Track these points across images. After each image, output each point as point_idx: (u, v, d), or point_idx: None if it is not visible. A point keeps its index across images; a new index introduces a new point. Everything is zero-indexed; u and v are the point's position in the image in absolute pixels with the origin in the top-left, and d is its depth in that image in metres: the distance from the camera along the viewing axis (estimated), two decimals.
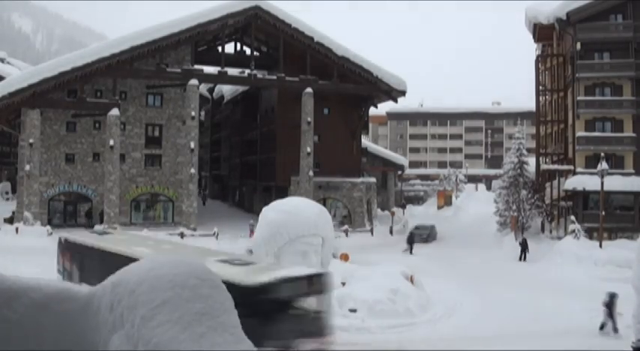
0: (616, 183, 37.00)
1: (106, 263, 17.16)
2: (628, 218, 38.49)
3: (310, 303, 13.61)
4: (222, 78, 48.26)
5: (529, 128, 77.90)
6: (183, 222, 44.23)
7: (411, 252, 37.93)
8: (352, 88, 49.09)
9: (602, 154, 35.08)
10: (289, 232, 20.23)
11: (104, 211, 42.78)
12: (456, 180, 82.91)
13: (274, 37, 48.59)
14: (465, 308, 21.53)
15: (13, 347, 1.98)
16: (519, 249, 36.37)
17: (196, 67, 46.03)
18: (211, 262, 12.99)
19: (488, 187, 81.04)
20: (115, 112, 43.08)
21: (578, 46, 40.10)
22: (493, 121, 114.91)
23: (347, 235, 43.08)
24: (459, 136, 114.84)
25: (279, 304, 12.51)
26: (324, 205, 39.20)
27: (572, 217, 36.84)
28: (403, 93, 50.59)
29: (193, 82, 45.33)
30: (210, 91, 68.64)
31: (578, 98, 40.36)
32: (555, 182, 43.87)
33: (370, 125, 74.52)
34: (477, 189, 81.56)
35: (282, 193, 44.34)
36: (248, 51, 51.93)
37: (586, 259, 31.83)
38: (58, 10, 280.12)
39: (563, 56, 45.30)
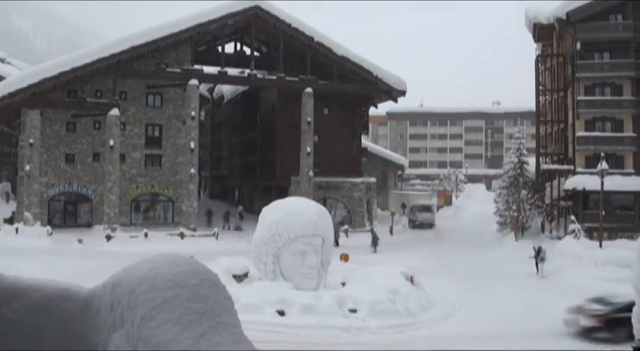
0: (616, 183, 37.00)
1: None
2: (628, 218, 38.50)
3: None
4: (222, 78, 48.26)
5: (529, 128, 77.99)
6: (183, 222, 44.22)
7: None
8: (352, 88, 49.09)
9: (602, 154, 35.07)
10: (289, 233, 20.26)
11: (104, 211, 42.76)
12: (456, 180, 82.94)
13: (274, 37, 48.59)
14: (465, 308, 21.53)
15: (13, 347, 1.98)
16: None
17: (196, 67, 46.03)
18: None
19: (488, 187, 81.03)
20: (115, 112, 43.07)
21: (578, 46, 40.11)
22: (493, 121, 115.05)
23: (347, 235, 43.08)
24: (459, 136, 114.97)
25: None
26: (324, 205, 39.20)
27: (572, 217, 36.84)
28: (403, 93, 50.61)
29: (193, 82, 45.34)
30: (210, 91, 68.66)
31: (578, 98, 40.37)
32: (555, 182, 43.89)
33: (370, 125, 74.45)
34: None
35: (282, 193, 44.32)
36: (248, 51, 51.91)
37: (586, 259, 31.82)
38: (58, 10, 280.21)
39: (563, 56, 45.32)
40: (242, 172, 62.10)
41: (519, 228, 41.47)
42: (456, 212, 64.30)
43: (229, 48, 52.13)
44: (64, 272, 24.27)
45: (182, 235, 40.45)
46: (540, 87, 48.36)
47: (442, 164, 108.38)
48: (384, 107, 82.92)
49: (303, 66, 47.21)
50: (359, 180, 50.47)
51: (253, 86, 53.03)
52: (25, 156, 42.30)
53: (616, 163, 38.98)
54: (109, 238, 38.41)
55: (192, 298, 1.82)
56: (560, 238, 37.82)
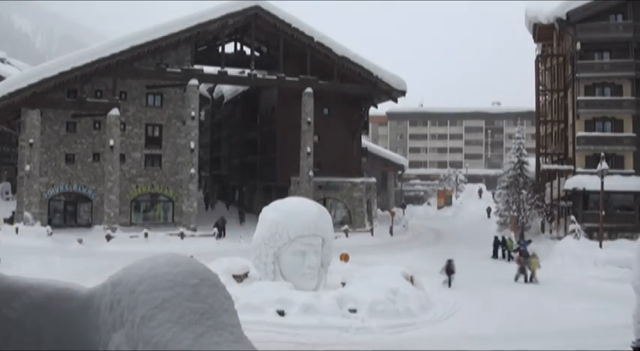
0: (616, 183, 37.01)
1: None
2: (628, 218, 38.50)
3: None
4: (222, 78, 48.24)
5: (529, 128, 78.04)
6: (183, 222, 44.21)
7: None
8: (352, 88, 49.08)
9: (602, 154, 35.08)
10: (289, 233, 20.25)
11: (104, 211, 42.75)
12: (456, 180, 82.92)
13: (274, 37, 48.58)
14: (465, 308, 21.52)
15: (13, 347, 1.98)
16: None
17: (196, 67, 46.02)
18: None
19: (489, 188, 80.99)
20: (115, 112, 43.08)
21: (578, 46, 40.11)
22: (493, 121, 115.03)
23: (347, 235, 43.07)
24: (459, 136, 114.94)
25: None
26: (324, 205, 39.19)
27: (572, 217, 36.83)
28: (403, 93, 50.58)
29: (193, 82, 45.33)
30: (210, 91, 68.64)
31: (578, 98, 40.37)
32: (555, 182, 43.90)
33: (370, 125, 74.53)
34: (480, 195, 76.73)
35: (282, 193, 44.32)
36: (248, 51, 51.91)
37: (586, 259, 31.82)
38: (58, 10, 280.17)
39: (563, 56, 45.32)
40: (242, 172, 62.07)
41: (519, 228, 41.44)
42: (456, 212, 64.32)
43: (229, 48, 52.16)
44: (64, 272, 24.28)
45: (182, 235, 40.45)
46: (540, 87, 48.37)
47: (442, 164, 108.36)
48: (384, 107, 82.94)
49: (303, 66, 47.21)
50: (359, 180, 50.45)
51: (253, 86, 53.01)
52: (25, 156, 42.29)
53: (616, 163, 38.98)
54: (109, 238, 38.42)
55: (192, 298, 1.82)
56: (560, 238, 37.80)
